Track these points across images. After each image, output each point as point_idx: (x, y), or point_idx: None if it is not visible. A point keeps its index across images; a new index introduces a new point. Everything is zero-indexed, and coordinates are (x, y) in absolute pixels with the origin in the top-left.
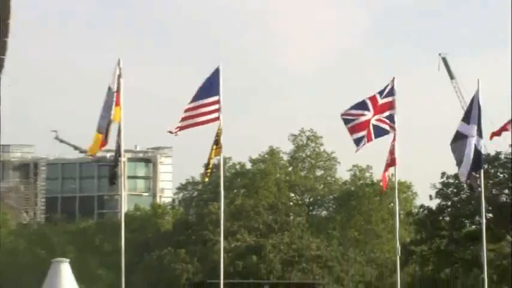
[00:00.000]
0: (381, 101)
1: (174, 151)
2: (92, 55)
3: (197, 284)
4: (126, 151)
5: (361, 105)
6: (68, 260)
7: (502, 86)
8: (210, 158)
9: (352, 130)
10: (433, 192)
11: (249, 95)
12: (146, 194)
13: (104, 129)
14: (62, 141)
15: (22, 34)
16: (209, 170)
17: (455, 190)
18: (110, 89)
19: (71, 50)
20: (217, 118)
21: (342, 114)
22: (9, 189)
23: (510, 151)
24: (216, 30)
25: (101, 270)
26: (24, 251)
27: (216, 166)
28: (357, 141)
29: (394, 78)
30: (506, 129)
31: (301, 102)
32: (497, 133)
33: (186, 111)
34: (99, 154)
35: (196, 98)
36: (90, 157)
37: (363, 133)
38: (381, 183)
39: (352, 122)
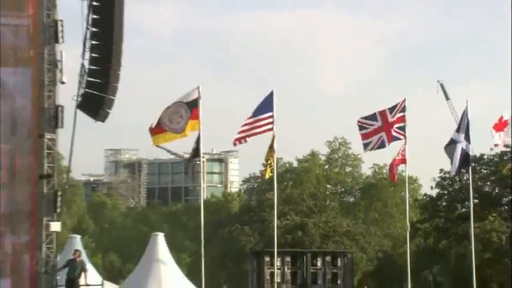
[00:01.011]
0: (391, 115)
1: (240, 153)
2: (175, 78)
3: (257, 252)
4: (205, 153)
5: (373, 117)
6: (163, 233)
7: (484, 106)
8: (267, 159)
9: (364, 136)
10: (433, 184)
11: (296, 110)
12: (219, 185)
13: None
14: (157, 145)
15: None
16: (269, 168)
17: (450, 182)
18: (183, 102)
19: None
20: (271, 129)
21: (358, 121)
22: (121, 182)
23: (492, 153)
24: (268, 61)
25: (187, 242)
26: (131, 227)
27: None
28: (366, 145)
29: (404, 99)
30: (506, 125)
31: (335, 116)
32: (497, 128)
33: (246, 124)
34: (186, 155)
35: (255, 114)
36: (179, 158)
37: (371, 139)
38: (391, 178)
39: (365, 129)
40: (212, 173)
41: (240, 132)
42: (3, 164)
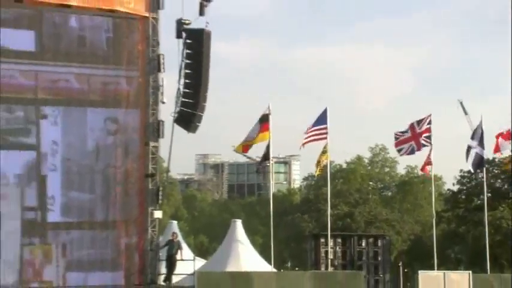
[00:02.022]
0: (418, 127)
1: (301, 157)
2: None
3: (314, 235)
4: (274, 157)
5: (405, 133)
6: (241, 220)
7: (496, 119)
8: (320, 161)
9: (397, 144)
10: (454, 181)
11: (345, 122)
12: (284, 182)
13: (248, 141)
14: (236, 151)
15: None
16: (320, 168)
17: (468, 180)
18: (261, 119)
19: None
20: (325, 138)
21: (395, 133)
22: (208, 180)
23: (502, 156)
24: (322, 83)
25: (259, 227)
26: (216, 215)
27: (325, 166)
28: (399, 151)
29: (430, 114)
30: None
31: (376, 127)
32: (505, 137)
33: (308, 132)
34: (258, 159)
35: (314, 125)
36: (252, 161)
37: (403, 146)
38: (423, 172)
39: (398, 139)
40: (279, 172)
41: (304, 139)
42: (118, 166)
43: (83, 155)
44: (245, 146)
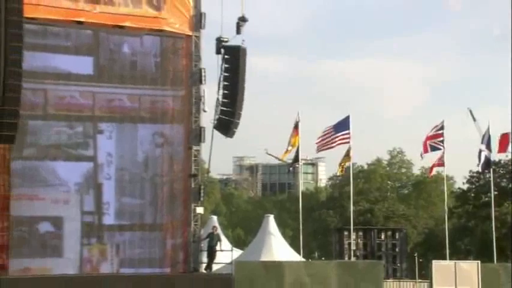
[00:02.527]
0: (433, 132)
1: (326, 159)
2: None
3: (339, 228)
4: (302, 159)
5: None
6: (273, 215)
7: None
8: (342, 163)
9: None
10: (464, 180)
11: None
12: (312, 181)
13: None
14: (268, 154)
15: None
16: (342, 169)
17: (477, 179)
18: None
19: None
20: (348, 142)
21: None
22: (244, 179)
23: (509, 158)
24: (346, 93)
25: (289, 221)
26: (251, 211)
27: (347, 167)
28: (421, 155)
29: (443, 120)
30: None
31: (394, 132)
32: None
33: (333, 138)
34: (289, 161)
35: (337, 131)
36: (283, 162)
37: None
38: (429, 171)
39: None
40: (306, 173)
41: (321, 141)
42: (165, 175)
43: (133, 165)
44: (287, 152)
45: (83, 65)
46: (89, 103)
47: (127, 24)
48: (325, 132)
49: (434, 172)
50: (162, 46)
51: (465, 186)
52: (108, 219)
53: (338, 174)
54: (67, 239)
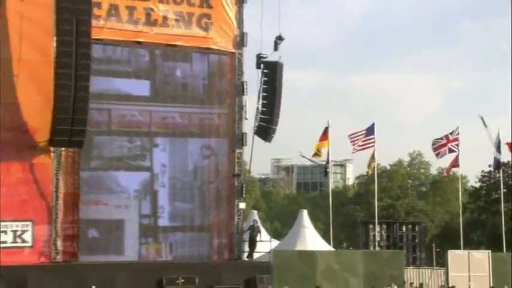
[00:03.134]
0: (449, 137)
1: (353, 161)
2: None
3: (365, 222)
4: (332, 161)
5: (439, 138)
6: (306, 210)
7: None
8: (370, 164)
9: (434, 150)
10: (477, 179)
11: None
12: (341, 180)
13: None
14: (302, 156)
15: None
16: (370, 169)
17: (488, 178)
18: (326, 128)
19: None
20: (373, 146)
21: (432, 140)
22: (281, 178)
23: None
24: (371, 103)
25: (321, 215)
26: (287, 206)
27: (373, 168)
28: (436, 155)
29: (458, 127)
30: None
31: (413, 136)
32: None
33: (362, 141)
34: (321, 162)
35: (365, 136)
36: (316, 163)
37: (439, 151)
38: (447, 175)
39: (434, 145)
40: (336, 173)
41: (355, 145)
42: (211, 169)
43: (184, 174)
44: (316, 154)
45: (141, 87)
46: (146, 120)
47: (179, 43)
48: (355, 137)
49: (450, 172)
50: (209, 70)
51: (477, 185)
52: (163, 222)
53: (367, 174)
54: (127, 239)
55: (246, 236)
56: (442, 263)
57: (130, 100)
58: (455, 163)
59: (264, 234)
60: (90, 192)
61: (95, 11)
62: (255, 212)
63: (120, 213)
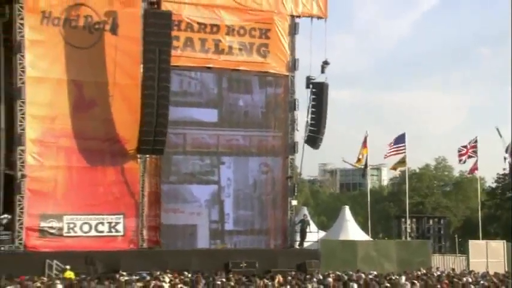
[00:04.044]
0: (470, 144)
1: (387, 165)
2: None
3: (397, 216)
4: (370, 165)
5: (464, 146)
6: (348, 206)
7: None
8: (397, 166)
9: (459, 156)
10: (493, 180)
11: (419, 142)
12: (377, 182)
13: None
14: (344, 161)
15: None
16: (398, 171)
17: (503, 179)
18: (365, 138)
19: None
20: (404, 152)
21: (458, 148)
22: (326, 180)
23: None
24: (402, 115)
25: (360, 211)
26: (332, 203)
27: (403, 171)
28: (459, 161)
29: (476, 136)
30: None
31: (439, 144)
32: None
33: (391, 147)
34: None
35: (395, 143)
36: (355, 167)
37: (461, 158)
38: (471, 173)
39: (459, 152)
40: (373, 175)
41: (389, 152)
42: (268, 183)
43: (246, 187)
44: (359, 160)
45: (211, 115)
46: (214, 142)
47: (241, 68)
48: (390, 146)
49: (472, 172)
50: (266, 100)
51: (494, 185)
52: (228, 226)
53: (397, 174)
54: (199, 240)
55: (298, 228)
56: (464, 251)
57: (202, 126)
58: (475, 167)
59: (312, 226)
60: (169, 202)
61: (174, 42)
62: (305, 207)
63: (194, 219)
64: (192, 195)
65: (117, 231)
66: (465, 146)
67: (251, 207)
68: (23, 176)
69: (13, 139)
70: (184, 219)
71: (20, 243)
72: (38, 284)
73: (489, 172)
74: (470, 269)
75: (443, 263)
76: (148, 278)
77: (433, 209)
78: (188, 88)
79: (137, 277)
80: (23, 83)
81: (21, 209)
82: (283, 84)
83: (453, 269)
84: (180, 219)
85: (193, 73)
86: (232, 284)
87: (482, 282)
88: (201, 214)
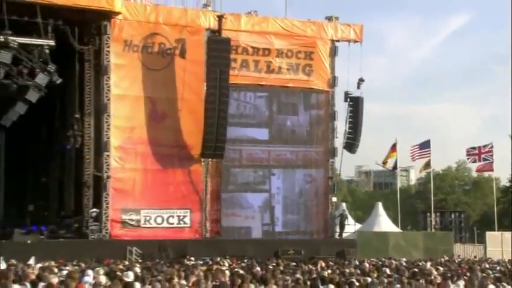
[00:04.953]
0: (483, 149)
1: (415, 167)
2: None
3: (423, 211)
4: (400, 167)
5: (473, 148)
6: (380, 202)
7: None
8: (422, 169)
9: (467, 155)
10: (507, 180)
11: (442, 148)
12: (406, 181)
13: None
14: (377, 164)
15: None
16: (424, 173)
17: None
18: (394, 144)
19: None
20: (429, 156)
21: (467, 148)
22: (362, 180)
23: None
24: (426, 124)
25: (391, 207)
26: (366, 200)
27: (428, 172)
28: (467, 159)
29: (491, 142)
30: None
31: (459, 149)
32: None
33: (416, 153)
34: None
35: (421, 148)
36: (386, 168)
37: (470, 157)
38: (479, 172)
39: (468, 152)
40: (402, 176)
41: (415, 155)
42: (312, 191)
43: (292, 195)
44: (385, 162)
45: (262, 134)
46: (266, 157)
47: (289, 85)
48: (416, 150)
49: (486, 174)
50: (310, 121)
51: (508, 184)
52: (278, 228)
53: (420, 171)
54: None
55: (337, 221)
56: (481, 241)
57: (255, 143)
58: (489, 168)
59: (350, 220)
60: (228, 207)
61: (232, 64)
62: (344, 203)
63: (248, 222)
64: (247, 201)
65: (185, 223)
66: (474, 148)
67: (297, 211)
68: (108, 176)
69: (100, 146)
70: (241, 222)
71: (106, 233)
72: (121, 266)
73: (503, 173)
74: (488, 257)
75: (463, 251)
76: (210, 262)
77: (454, 205)
78: (244, 111)
79: (201, 262)
80: (108, 99)
81: (107, 204)
82: (325, 99)
83: (475, 256)
84: (237, 222)
85: (248, 97)
86: (281, 268)
87: (498, 268)
88: (255, 218)
